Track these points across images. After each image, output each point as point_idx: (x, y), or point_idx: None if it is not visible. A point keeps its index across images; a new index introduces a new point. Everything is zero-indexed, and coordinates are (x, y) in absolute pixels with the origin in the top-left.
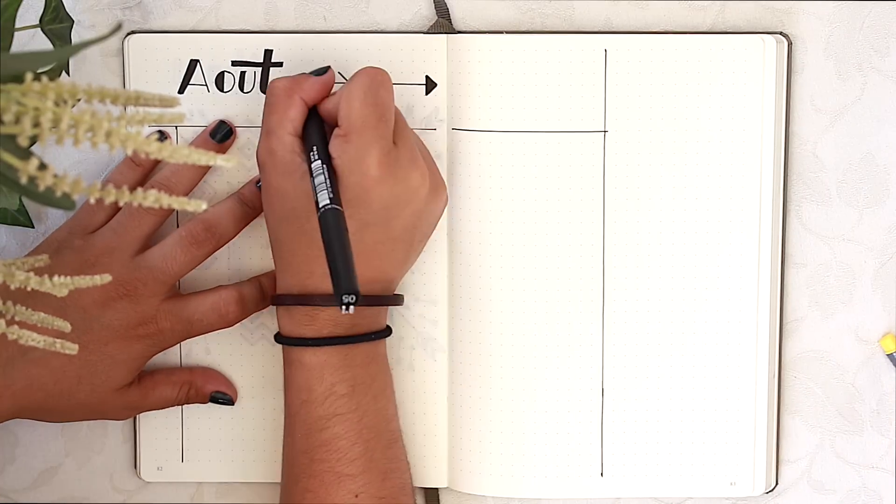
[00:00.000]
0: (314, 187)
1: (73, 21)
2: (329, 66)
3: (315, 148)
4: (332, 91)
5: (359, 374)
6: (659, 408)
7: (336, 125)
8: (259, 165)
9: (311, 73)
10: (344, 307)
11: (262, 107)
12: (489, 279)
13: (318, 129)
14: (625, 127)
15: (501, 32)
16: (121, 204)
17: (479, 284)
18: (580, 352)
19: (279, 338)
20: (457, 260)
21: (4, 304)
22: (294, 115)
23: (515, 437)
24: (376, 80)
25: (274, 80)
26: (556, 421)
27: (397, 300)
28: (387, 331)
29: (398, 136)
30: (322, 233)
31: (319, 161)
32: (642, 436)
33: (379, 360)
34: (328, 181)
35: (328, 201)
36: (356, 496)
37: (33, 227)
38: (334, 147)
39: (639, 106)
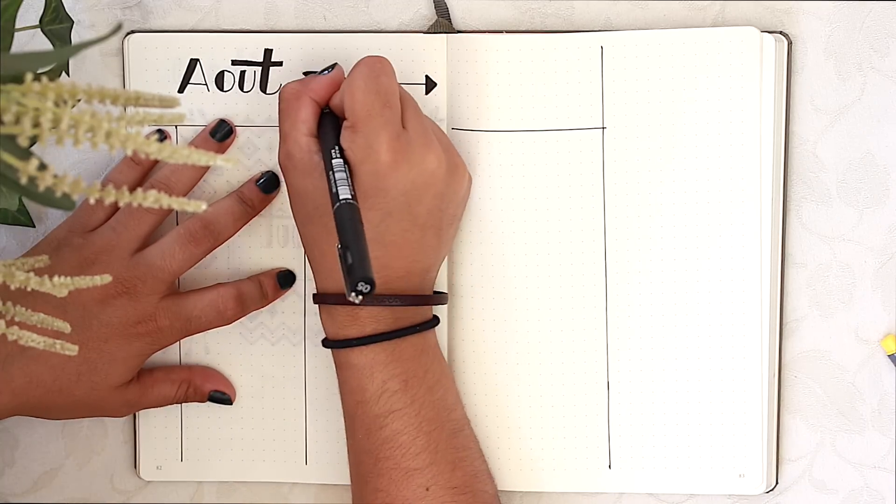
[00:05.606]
0: (329, 185)
1: (73, 21)
2: (336, 63)
3: (326, 146)
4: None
5: (409, 367)
6: (666, 400)
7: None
8: (281, 171)
9: (319, 72)
10: (355, 295)
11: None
12: (491, 277)
13: (332, 126)
14: (623, 123)
15: (501, 32)
16: (121, 204)
17: (481, 283)
18: (584, 346)
19: (326, 342)
20: (457, 259)
21: (4, 304)
22: (306, 116)
23: (521, 431)
24: (375, 68)
25: (284, 85)
26: (563, 415)
27: (441, 298)
28: (434, 320)
29: (407, 119)
30: (336, 226)
31: (329, 158)
32: (648, 428)
33: (429, 350)
34: (337, 175)
35: (339, 196)
36: (427, 489)
37: (34, 227)
38: (344, 139)
39: (636, 101)
